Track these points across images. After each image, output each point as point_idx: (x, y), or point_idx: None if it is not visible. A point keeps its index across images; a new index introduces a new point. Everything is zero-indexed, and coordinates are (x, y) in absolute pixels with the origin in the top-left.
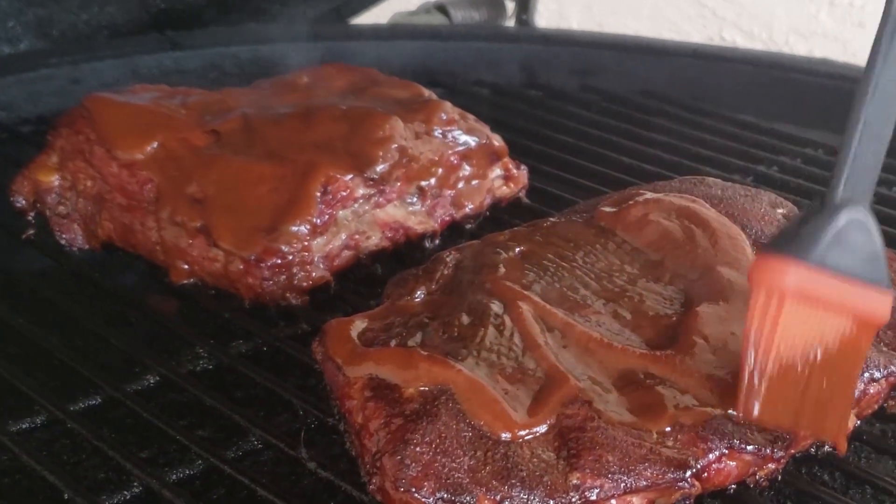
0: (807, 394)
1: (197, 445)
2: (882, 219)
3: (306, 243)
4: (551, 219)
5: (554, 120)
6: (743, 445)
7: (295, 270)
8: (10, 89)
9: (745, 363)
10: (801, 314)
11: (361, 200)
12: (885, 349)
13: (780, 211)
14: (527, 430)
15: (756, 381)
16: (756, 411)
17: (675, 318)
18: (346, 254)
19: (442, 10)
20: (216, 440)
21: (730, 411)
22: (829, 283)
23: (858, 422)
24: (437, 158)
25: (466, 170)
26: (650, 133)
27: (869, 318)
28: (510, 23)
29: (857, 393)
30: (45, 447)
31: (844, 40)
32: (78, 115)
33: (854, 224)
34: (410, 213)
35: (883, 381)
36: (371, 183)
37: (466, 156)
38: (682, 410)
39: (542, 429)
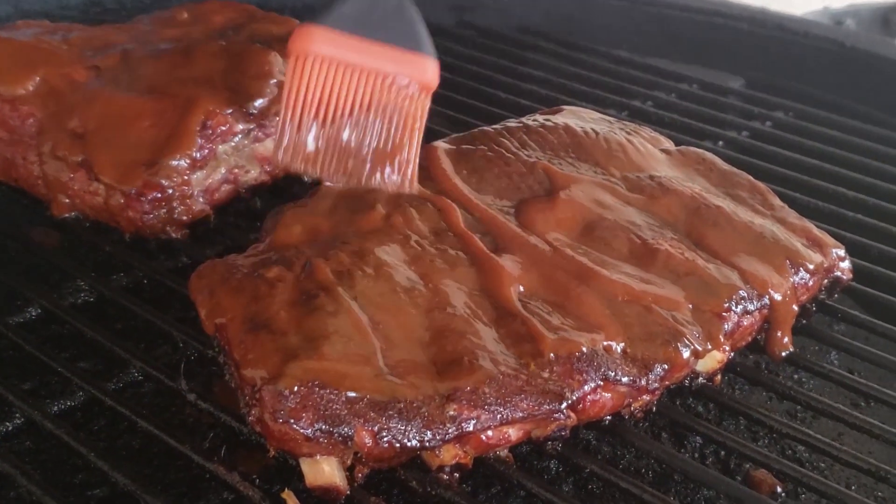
0: (338, 144)
1: (78, 377)
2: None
3: (186, 177)
4: None
5: None
6: (618, 377)
7: (175, 204)
8: None
9: (279, 118)
10: (329, 74)
11: (241, 135)
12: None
13: (659, 147)
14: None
15: (286, 132)
16: (282, 157)
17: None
18: (226, 188)
19: None
20: (97, 372)
21: (604, 342)
22: (357, 47)
23: (732, 354)
24: None
25: None
26: (526, 68)
27: (411, 79)
28: None
29: (730, 325)
30: None
31: None
32: None
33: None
34: None
35: (756, 313)
36: (250, 118)
37: None
38: (558, 342)
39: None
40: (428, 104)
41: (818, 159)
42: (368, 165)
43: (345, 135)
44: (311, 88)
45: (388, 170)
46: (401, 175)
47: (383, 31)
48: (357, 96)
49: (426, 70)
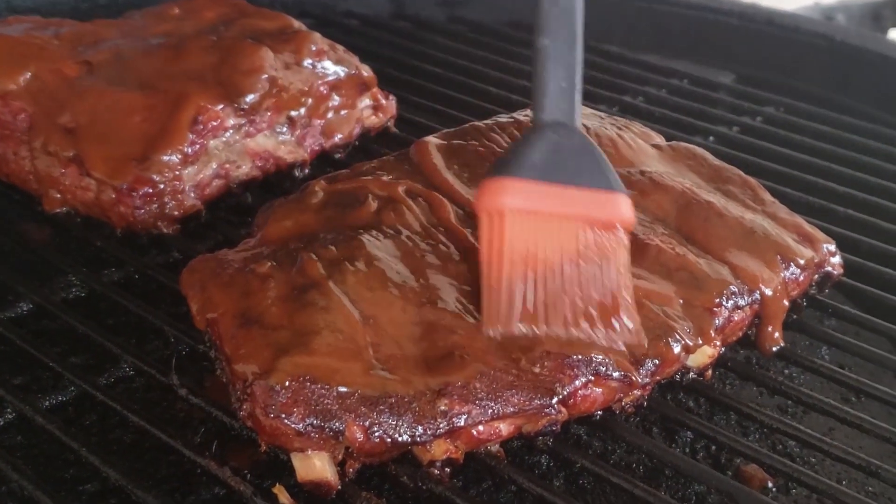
0: (553, 302)
1: (70, 372)
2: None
3: (177, 172)
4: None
5: (422, 51)
6: (609, 372)
7: (166, 199)
8: None
9: (483, 285)
10: (527, 227)
11: (232, 130)
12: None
13: (650, 142)
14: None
15: (494, 299)
16: (494, 326)
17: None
18: (217, 183)
19: None
20: (89, 367)
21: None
22: (549, 194)
23: (723, 349)
24: (306, 89)
25: (336, 100)
26: (517, 63)
27: (607, 220)
28: None
29: (721, 320)
30: None
31: None
32: None
33: (568, 140)
34: (280, 143)
35: (747, 308)
36: (241, 113)
37: (336, 86)
38: (549, 338)
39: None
40: (628, 243)
41: (809, 154)
42: (587, 318)
43: (555, 290)
44: (511, 246)
45: (610, 319)
46: (628, 320)
47: (571, 173)
48: (558, 246)
49: (622, 207)
